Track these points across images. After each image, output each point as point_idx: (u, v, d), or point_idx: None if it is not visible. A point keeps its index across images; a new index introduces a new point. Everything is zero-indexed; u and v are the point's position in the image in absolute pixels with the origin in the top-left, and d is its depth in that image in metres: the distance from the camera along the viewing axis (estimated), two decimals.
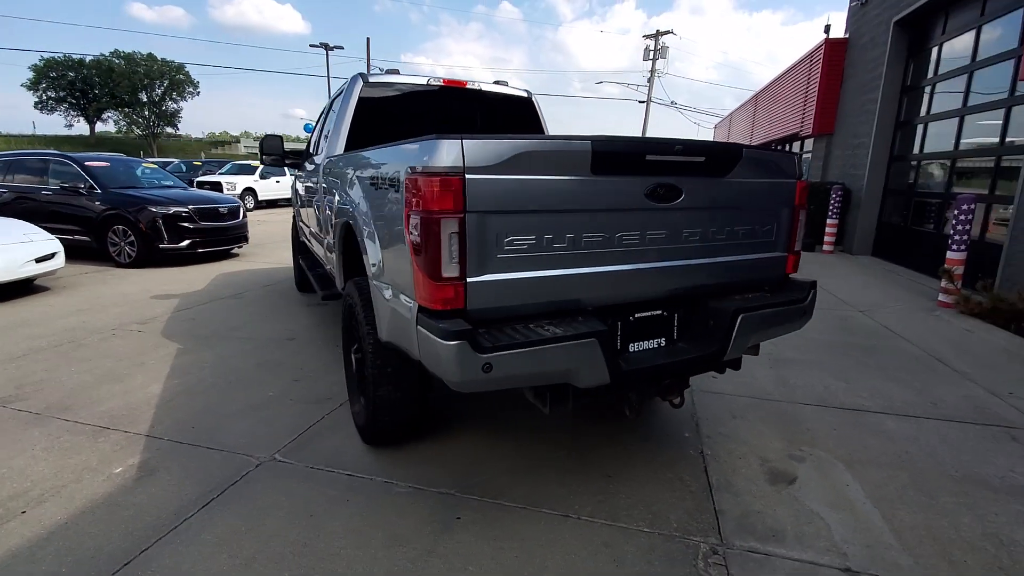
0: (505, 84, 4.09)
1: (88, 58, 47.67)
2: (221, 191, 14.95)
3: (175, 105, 52.36)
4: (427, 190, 1.63)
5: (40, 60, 46.45)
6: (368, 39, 30.22)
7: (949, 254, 5.92)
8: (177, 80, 50.91)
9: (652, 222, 1.99)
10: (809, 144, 13.12)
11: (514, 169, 1.69)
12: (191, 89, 52.36)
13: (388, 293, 2.08)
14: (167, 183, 8.53)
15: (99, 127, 53.19)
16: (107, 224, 7.18)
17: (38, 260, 5.64)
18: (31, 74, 47.13)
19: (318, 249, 4.07)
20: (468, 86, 3.87)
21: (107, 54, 48.28)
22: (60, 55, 46.31)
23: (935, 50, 8.48)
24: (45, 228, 6.10)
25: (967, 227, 5.83)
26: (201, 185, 15.84)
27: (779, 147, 15.31)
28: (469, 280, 1.70)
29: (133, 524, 2.13)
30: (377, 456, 2.66)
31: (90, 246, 7.33)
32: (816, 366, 4.06)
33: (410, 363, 2.37)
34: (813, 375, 3.89)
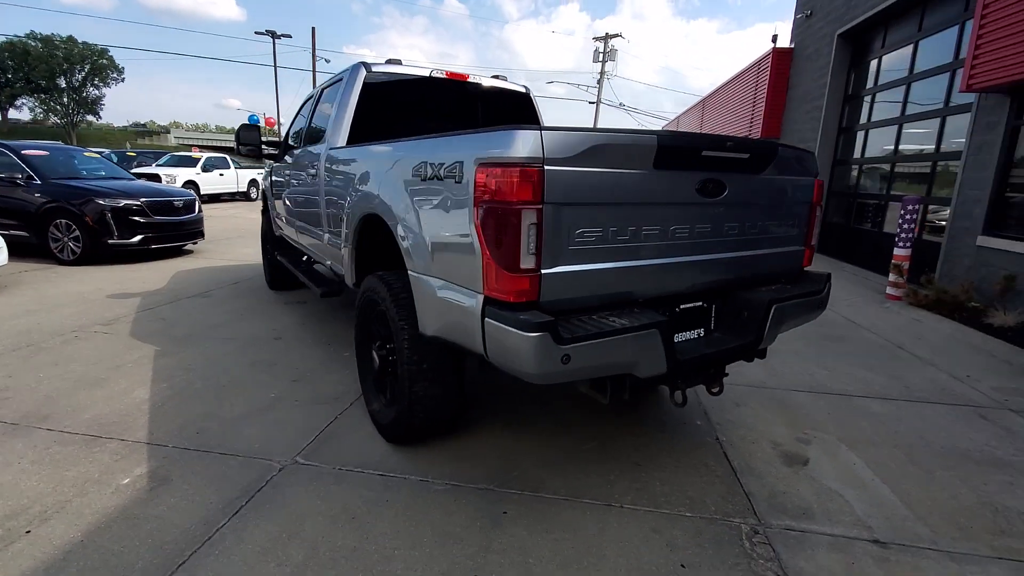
0: (504, 79, 4.08)
1: (0, 39, 43.33)
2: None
3: (97, 92, 48.39)
4: (505, 181, 1.61)
5: None
6: (313, 28, 29.25)
7: (896, 251, 6.43)
8: (100, 65, 47.00)
9: (700, 216, 2.06)
10: None
11: (586, 161, 1.70)
12: (115, 75, 48.53)
13: (437, 286, 2.03)
14: (113, 174, 7.90)
15: (12, 114, 48.50)
16: (48, 218, 6.57)
17: None
18: None
19: (311, 243, 3.90)
20: (470, 79, 3.83)
21: (22, 36, 44.05)
22: None
23: (875, 62, 9.16)
24: None
25: (912, 226, 6.35)
26: (137, 177, 14.75)
27: None
28: (543, 272, 1.69)
29: (159, 537, 1.98)
30: (404, 455, 2.59)
31: (28, 242, 6.68)
32: (798, 355, 4.31)
33: (449, 357, 2.35)
34: (797, 364, 4.13)
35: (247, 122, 4.73)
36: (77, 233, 6.57)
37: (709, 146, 1.96)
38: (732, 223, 2.18)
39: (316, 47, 30.15)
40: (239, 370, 3.57)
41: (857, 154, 9.75)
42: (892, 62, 8.59)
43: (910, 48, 8.01)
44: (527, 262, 1.65)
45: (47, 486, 2.26)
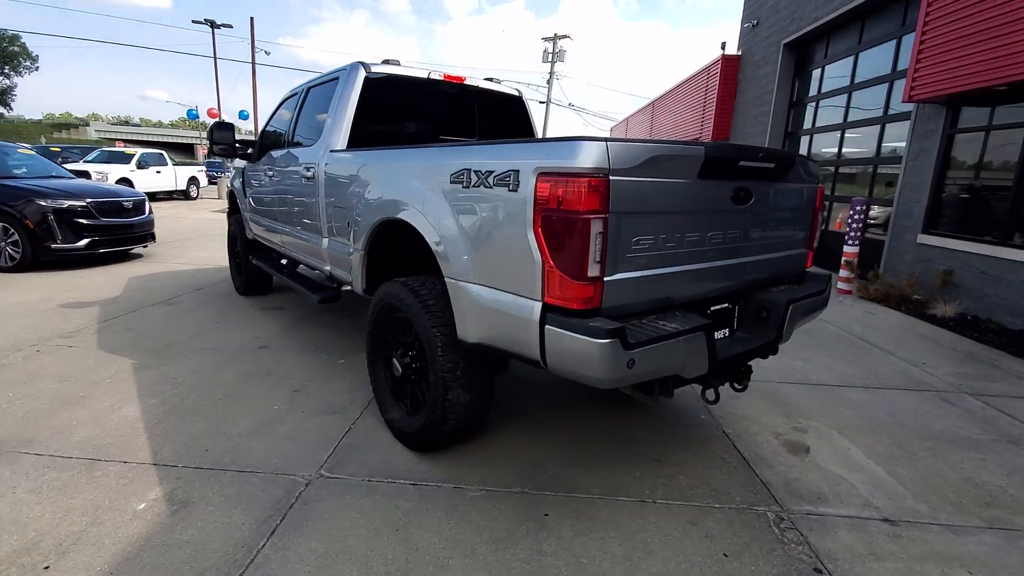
0: (499, 82, 4.08)
1: None
2: None
3: (7, 81, 44.18)
4: (573, 191, 1.64)
5: None
6: (252, 19, 27.89)
7: (846, 248, 6.93)
8: (10, 52, 42.91)
9: (731, 222, 2.16)
10: None
11: (644, 172, 1.75)
12: (28, 63, 44.45)
13: (482, 293, 2.04)
14: (52, 172, 7.26)
15: None
16: None
17: None
18: None
19: (304, 248, 3.77)
20: (466, 82, 3.81)
21: None
22: None
23: (819, 71, 9.79)
24: None
25: (860, 224, 6.86)
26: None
27: None
28: (606, 279, 1.74)
29: (198, 563, 1.88)
30: (431, 463, 2.57)
31: None
32: None
33: (483, 364, 2.36)
34: (777, 357, 4.34)
35: (220, 121, 4.50)
36: (16, 237, 6.01)
37: (745, 157, 2.06)
38: (755, 228, 2.30)
39: (255, 37, 28.86)
40: (233, 383, 3.40)
41: None
42: (835, 71, 9.22)
43: (851, 59, 8.62)
44: (593, 270, 1.69)
45: (53, 516, 2.09)
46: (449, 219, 2.15)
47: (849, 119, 8.75)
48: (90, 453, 2.54)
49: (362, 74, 3.32)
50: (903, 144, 7.07)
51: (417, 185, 2.37)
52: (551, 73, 35.08)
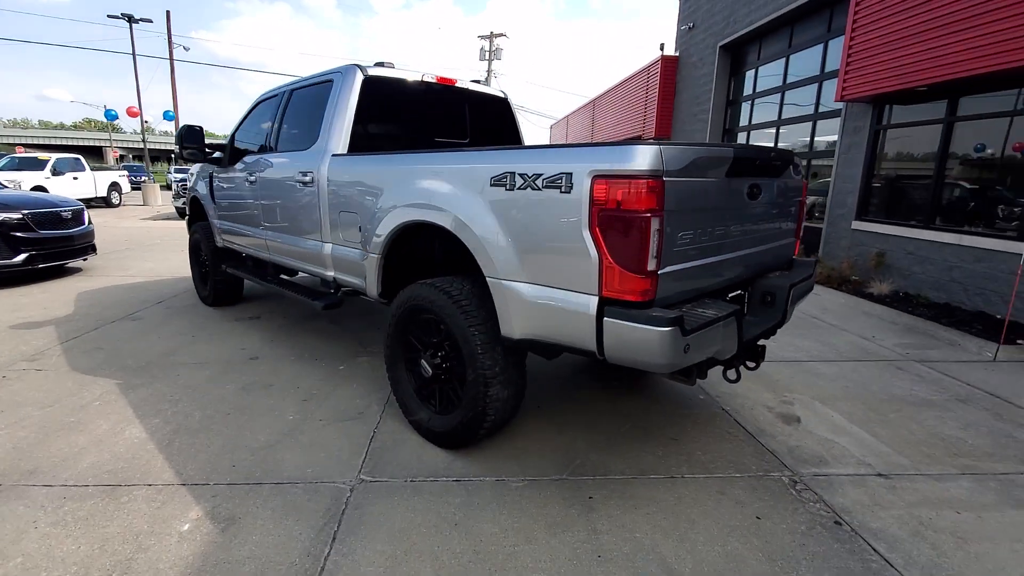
0: (487, 84, 4.15)
1: None
2: None
3: None
4: (633, 191, 1.77)
5: None
6: (168, 12, 26.10)
7: None
8: None
9: (746, 216, 2.37)
10: None
11: (689, 172, 1.91)
12: None
13: (529, 290, 2.13)
14: None
15: None
16: None
17: None
18: None
19: (299, 254, 3.69)
20: (457, 84, 3.86)
21: None
22: None
23: (753, 72, 10.50)
24: None
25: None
26: None
27: None
28: (660, 272, 1.88)
29: None
30: (466, 460, 2.63)
31: None
32: None
33: (520, 359, 2.46)
34: None
35: (189, 124, 4.31)
36: None
37: (761, 157, 2.28)
38: (761, 221, 2.53)
39: (171, 32, 27.04)
40: (235, 396, 3.29)
41: None
42: (768, 71, 9.92)
43: (783, 61, 9.31)
44: (652, 264, 1.83)
45: (90, 548, 1.99)
46: (490, 220, 2.23)
47: (783, 116, 9.46)
48: (106, 479, 2.41)
49: (360, 76, 3.30)
50: (835, 138, 7.75)
51: (449, 188, 2.42)
52: (488, 71, 35.18)
